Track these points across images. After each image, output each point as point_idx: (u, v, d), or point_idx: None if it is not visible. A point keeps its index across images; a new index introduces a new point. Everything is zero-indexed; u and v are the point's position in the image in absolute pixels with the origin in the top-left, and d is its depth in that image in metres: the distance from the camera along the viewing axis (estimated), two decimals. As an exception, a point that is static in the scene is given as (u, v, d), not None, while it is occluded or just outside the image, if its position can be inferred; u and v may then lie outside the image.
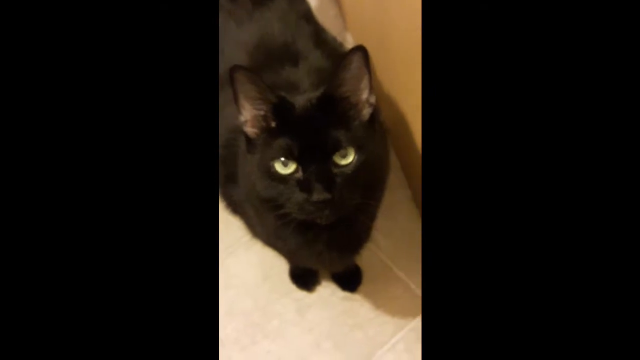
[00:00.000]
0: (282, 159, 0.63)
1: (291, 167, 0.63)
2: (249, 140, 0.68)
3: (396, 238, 1.07)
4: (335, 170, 0.63)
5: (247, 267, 1.07)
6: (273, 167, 0.64)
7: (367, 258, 1.01)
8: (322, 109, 0.65)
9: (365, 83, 0.65)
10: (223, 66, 0.87)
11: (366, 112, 0.67)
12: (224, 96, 0.86)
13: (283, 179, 0.64)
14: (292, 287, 1.04)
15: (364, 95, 0.66)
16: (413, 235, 1.06)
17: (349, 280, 1.04)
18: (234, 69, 0.62)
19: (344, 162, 0.64)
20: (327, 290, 1.04)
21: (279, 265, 1.05)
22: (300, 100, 0.66)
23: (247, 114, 0.66)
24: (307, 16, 0.95)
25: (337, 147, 0.63)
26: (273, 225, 0.72)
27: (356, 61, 0.63)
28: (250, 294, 1.04)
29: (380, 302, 1.03)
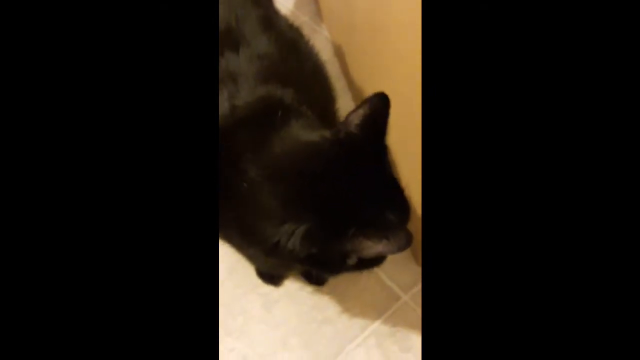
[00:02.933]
0: None
1: None
2: None
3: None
4: None
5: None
6: None
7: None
8: None
9: None
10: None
11: None
12: None
13: None
14: (258, 282, 1.00)
15: None
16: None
17: (317, 274, 1.00)
18: None
19: None
20: (294, 284, 1.00)
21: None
22: None
23: None
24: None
25: None
26: None
27: None
28: (216, 289, 1.01)
29: (350, 295, 0.98)
